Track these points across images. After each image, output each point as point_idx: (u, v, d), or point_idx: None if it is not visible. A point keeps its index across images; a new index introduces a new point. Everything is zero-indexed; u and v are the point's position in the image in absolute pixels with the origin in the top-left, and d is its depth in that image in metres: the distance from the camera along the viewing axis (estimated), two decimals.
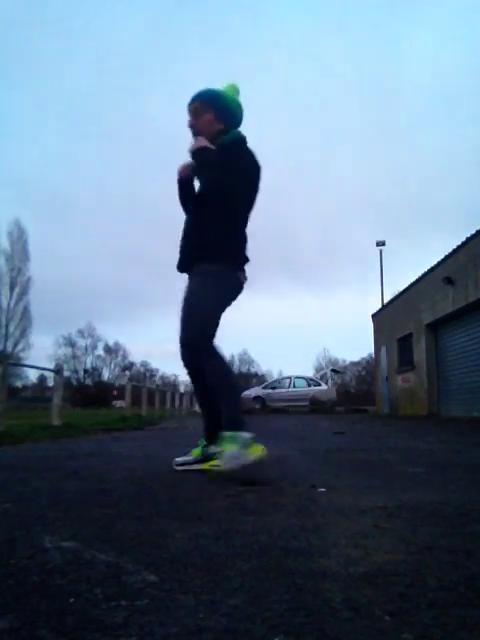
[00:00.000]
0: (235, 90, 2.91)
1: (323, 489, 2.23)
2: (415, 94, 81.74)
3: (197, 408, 3.37)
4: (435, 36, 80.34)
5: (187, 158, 2.88)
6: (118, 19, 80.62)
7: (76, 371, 73.45)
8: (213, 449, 2.73)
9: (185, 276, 2.91)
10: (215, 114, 2.82)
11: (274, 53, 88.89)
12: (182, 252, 2.90)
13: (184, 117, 2.94)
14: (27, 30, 75.95)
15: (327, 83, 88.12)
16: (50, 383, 14.52)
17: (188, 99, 2.90)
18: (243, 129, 2.93)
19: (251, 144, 2.87)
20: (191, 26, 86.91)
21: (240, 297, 2.90)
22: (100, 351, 74.98)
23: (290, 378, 23.95)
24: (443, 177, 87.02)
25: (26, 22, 74.99)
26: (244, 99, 2.93)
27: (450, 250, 12.31)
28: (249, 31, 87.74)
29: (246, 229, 2.88)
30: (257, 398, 22.82)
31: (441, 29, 79.09)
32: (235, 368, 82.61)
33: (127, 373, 64.52)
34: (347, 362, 73.51)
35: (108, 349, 75.24)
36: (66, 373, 60.95)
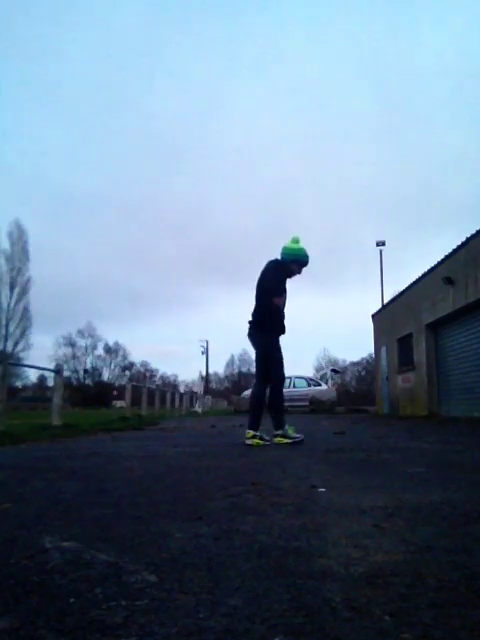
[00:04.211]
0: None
1: (323, 489, 2.23)
2: (422, 90, 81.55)
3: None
4: (444, 27, 79.78)
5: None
6: (120, 8, 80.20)
7: (76, 371, 73.52)
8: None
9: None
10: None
11: (279, 48, 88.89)
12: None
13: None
14: (27, 25, 75.85)
15: (332, 81, 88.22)
16: (50, 383, 14.51)
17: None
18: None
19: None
20: (198, 17, 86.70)
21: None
22: (100, 351, 75.08)
23: (290, 378, 23.87)
24: (448, 175, 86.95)
25: (26, 17, 74.92)
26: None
27: (450, 250, 12.31)
28: (254, 26, 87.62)
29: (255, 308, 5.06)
30: None
31: (450, 22, 78.50)
32: (235, 368, 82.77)
33: (127, 373, 64.59)
34: (347, 362, 73.58)
35: (108, 349, 75.33)
36: (66, 373, 60.95)
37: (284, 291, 4.98)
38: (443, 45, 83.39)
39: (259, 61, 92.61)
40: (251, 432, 4.76)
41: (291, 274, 5.02)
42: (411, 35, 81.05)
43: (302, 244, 5.02)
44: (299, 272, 5.05)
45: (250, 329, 5.01)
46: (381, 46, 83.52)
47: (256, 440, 4.72)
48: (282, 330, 5.03)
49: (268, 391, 5.01)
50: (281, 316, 4.98)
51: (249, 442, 4.71)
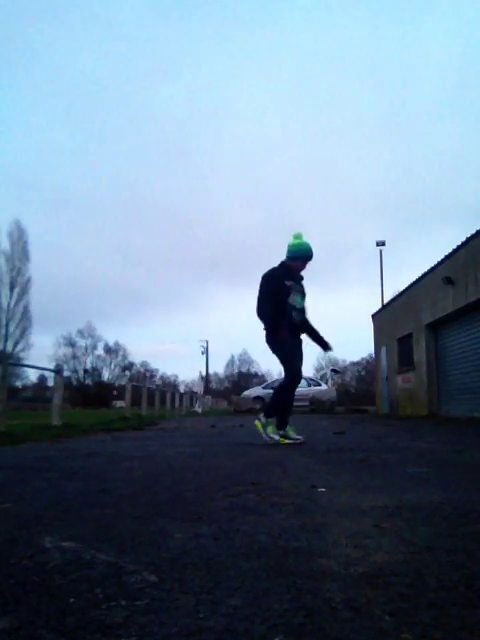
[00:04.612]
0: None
1: (323, 489, 2.22)
2: (423, 90, 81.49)
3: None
4: (447, 27, 79.58)
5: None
6: (121, 7, 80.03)
7: (76, 371, 73.52)
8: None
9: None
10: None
11: (281, 47, 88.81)
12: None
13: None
14: (27, 25, 75.80)
15: (334, 81, 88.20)
16: (50, 383, 14.52)
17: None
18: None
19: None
20: (201, 16, 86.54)
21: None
22: (100, 351, 75.10)
23: None
24: (449, 175, 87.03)
25: (26, 16, 74.88)
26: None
27: (450, 250, 12.31)
28: (257, 26, 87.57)
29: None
30: (257, 398, 22.82)
31: (454, 22, 78.32)
32: (235, 368, 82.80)
33: (127, 373, 64.65)
34: (347, 362, 73.54)
35: (108, 349, 75.34)
36: (66, 373, 60.99)
37: (286, 295, 4.84)
38: (444, 45, 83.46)
39: (261, 61, 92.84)
40: (261, 417, 4.96)
41: (295, 270, 4.98)
42: (413, 35, 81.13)
43: (304, 239, 4.98)
44: (303, 267, 5.01)
45: (265, 336, 5.01)
46: (383, 46, 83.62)
47: (259, 423, 4.93)
48: (295, 329, 4.93)
49: (279, 385, 5.09)
50: (289, 320, 4.86)
51: (256, 421, 5.02)
